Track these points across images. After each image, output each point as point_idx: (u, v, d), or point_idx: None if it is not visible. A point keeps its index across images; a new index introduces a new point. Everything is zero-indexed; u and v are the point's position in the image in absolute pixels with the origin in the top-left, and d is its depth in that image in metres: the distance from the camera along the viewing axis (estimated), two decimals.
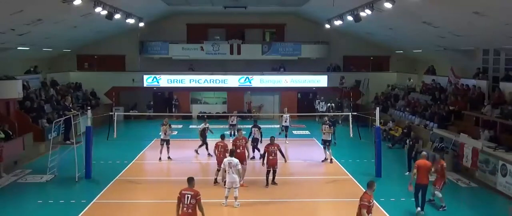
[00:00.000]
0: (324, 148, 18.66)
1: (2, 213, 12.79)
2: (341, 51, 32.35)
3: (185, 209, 9.81)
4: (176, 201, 9.93)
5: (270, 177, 15.30)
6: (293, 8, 29.39)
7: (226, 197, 13.25)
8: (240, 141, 15.92)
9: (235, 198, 13.16)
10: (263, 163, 15.29)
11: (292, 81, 31.05)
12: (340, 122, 26.12)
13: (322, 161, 18.69)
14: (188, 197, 9.80)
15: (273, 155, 15.11)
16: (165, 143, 18.73)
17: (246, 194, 13.85)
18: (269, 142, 15.41)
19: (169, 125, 19.09)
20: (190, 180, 10.11)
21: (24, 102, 21.14)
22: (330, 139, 18.70)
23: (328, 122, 18.83)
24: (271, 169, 15.19)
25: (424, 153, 13.59)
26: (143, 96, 31.44)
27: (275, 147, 15.22)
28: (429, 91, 24.65)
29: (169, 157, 18.77)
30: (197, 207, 9.83)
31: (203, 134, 19.84)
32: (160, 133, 18.89)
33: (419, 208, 12.73)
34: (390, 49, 31.60)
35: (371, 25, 24.03)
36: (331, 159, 18.57)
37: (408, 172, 16.71)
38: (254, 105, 31.27)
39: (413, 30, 22.24)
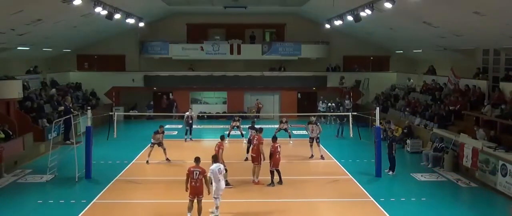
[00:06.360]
0: (311, 145, 19.08)
1: (2, 213, 12.78)
2: (341, 51, 32.31)
3: (193, 183, 11.64)
4: (185, 177, 11.73)
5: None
6: (293, 8, 29.38)
7: (217, 207, 12.32)
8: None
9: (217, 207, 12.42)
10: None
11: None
12: (342, 120, 26.03)
13: (309, 157, 19.06)
14: (196, 173, 11.63)
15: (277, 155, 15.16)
16: (160, 145, 18.30)
17: (246, 194, 13.82)
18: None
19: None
20: (197, 160, 11.89)
21: (24, 102, 21.14)
22: (317, 136, 19.04)
23: (315, 122, 19.39)
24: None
25: None
26: (143, 96, 31.43)
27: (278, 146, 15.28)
28: (429, 91, 24.64)
29: (167, 159, 18.38)
30: (203, 181, 11.62)
31: (187, 121, 22.03)
32: (160, 139, 18.35)
33: None
34: (390, 49, 31.59)
35: (371, 25, 24.03)
36: (322, 155, 18.88)
37: (387, 171, 16.86)
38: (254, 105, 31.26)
39: (413, 30, 22.24)
